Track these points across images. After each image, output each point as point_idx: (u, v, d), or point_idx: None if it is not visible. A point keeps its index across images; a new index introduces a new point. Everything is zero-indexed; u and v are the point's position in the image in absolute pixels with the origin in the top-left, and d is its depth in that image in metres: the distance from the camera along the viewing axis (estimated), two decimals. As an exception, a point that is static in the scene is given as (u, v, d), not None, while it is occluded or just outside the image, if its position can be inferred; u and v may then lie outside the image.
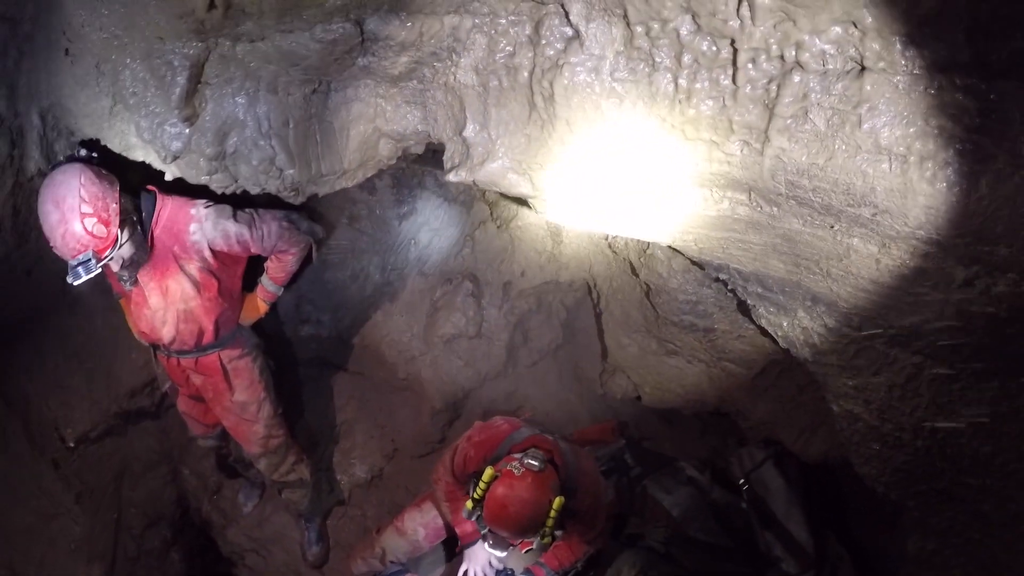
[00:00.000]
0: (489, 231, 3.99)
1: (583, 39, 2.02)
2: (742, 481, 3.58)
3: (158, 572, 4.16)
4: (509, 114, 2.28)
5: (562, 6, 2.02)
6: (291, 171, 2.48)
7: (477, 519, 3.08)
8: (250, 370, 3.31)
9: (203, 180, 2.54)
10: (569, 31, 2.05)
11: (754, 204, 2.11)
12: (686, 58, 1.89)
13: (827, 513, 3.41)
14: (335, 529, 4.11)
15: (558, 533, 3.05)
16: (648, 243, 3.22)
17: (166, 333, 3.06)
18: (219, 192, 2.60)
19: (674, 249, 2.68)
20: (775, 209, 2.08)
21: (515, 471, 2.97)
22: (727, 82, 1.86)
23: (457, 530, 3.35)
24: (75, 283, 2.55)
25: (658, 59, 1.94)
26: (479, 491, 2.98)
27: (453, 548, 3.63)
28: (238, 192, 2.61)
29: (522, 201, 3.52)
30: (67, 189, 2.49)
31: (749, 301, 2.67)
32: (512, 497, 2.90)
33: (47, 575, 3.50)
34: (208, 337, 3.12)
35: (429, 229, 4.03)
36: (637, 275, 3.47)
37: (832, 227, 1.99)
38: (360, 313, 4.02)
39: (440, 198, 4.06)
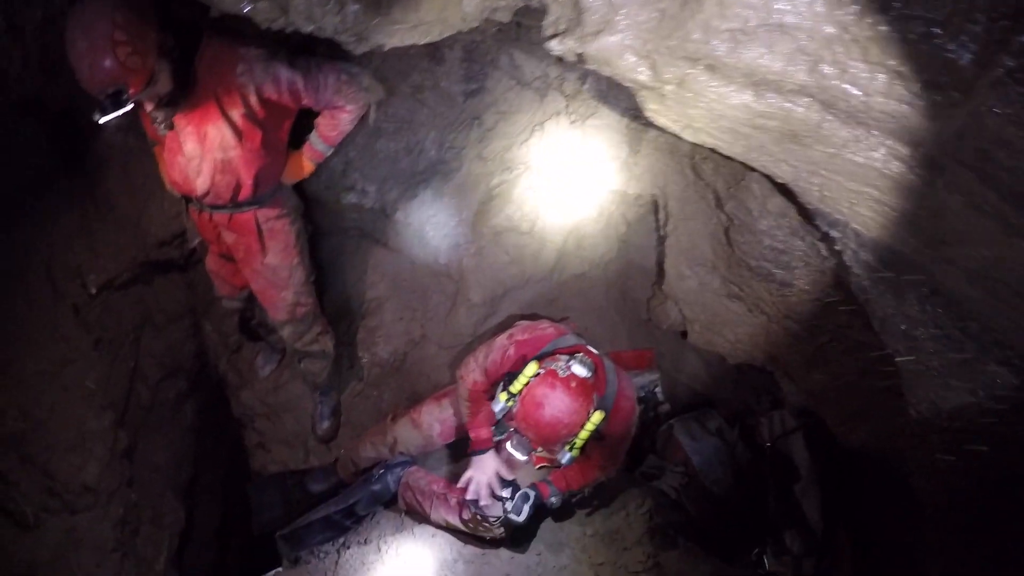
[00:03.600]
0: (561, 124, 3.64)
1: None
2: (768, 444, 3.39)
3: (169, 423, 4.12)
4: None
5: None
6: (356, 6, 2.09)
7: (503, 417, 2.93)
8: (286, 233, 3.09)
9: (244, 8, 2.19)
10: None
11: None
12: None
13: (844, 499, 3.20)
14: (348, 406, 4.01)
15: (579, 453, 2.90)
16: (745, 174, 2.88)
17: (200, 184, 2.82)
18: (264, 27, 2.27)
19: (779, 186, 2.35)
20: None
21: (560, 371, 2.79)
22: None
23: (471, 434, 3.19)
24: (103, 120, 2.27)
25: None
26: (518, 385, 2.82)
27: (462, 450, 3.51)
28: (287, 31, 2.29)
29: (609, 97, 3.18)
30: (99, 14, 2.18)
31: (857, 270, 2.33)
32: (552, 398, 2.73)
33: (58, 420, 3.42)
34: (245, 193, 2.88)
35: (496, 111, 3.70)
36: (721, 207, 3.13)
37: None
38: (409, 188, 3.74)
39: (513, 80, 3.71)
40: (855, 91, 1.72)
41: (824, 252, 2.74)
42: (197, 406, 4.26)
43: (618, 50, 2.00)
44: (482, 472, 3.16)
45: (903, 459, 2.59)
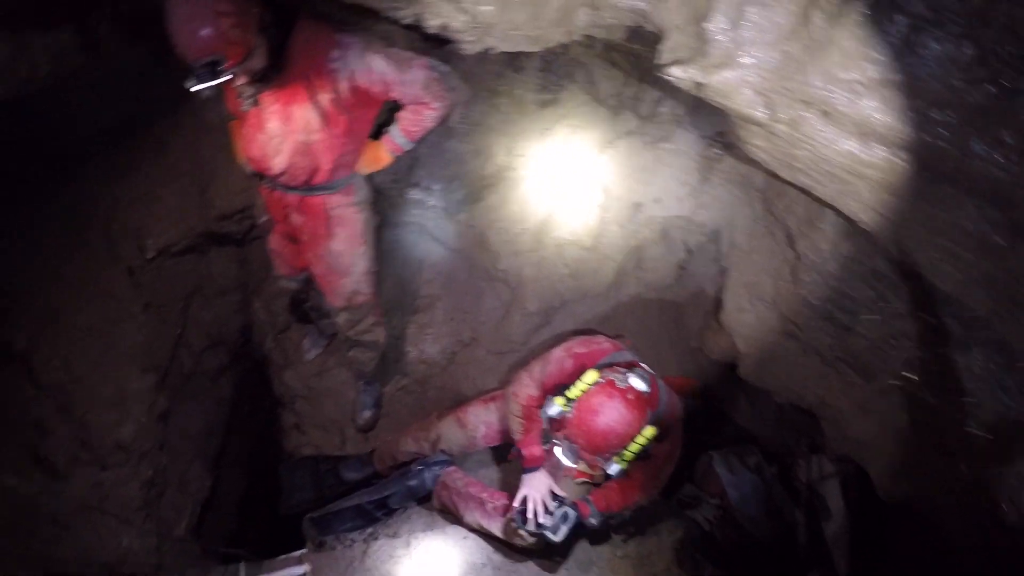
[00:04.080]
0: (634, 145, 3.64)
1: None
2: (804, 486, 3.39)
3: (207, 393, 4.14)
4: (770, 20, 1.90)
5: None
6: (488, 8, 2.11)
7: (550, 426, 2.93)
8: (354, 222, 3.09)
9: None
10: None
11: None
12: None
13: (875, 550, 3.18)
14: (390, 400, 4.01)
15: (626, 467, 2.89)
16: (821, 215, 2.88)
17: (277, 163, 2.82)
18: (387, 14, 2.29)
19: (858, 230, 2.37)
20: None
21: (618, 382, 2.80)
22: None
23: (523, 451, 3.17)
24: (196, 88, 2.26)
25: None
26: (575, 391, 2.82)
27: (502, 454, 3.51)
28: (408, 21, 2.30)
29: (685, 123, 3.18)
30: None
31: (928, 323, 2.35)
32: (609, 407, 2.74)
33: (101, 376, 3.45)
34: (321, 177, 2.88)
35: (568, 124, 3.70)
36: (791, 244, 3.12)
37: None
38: (474, 191, 3.75)
39: (587, 95, 3.71)
40: (955, 152, 1.79)
41: (892, 301, 2.73)
42: (235, 379, 4.27)
43: (737, 85, 2.03)
44: (536, 490, 3.11)
45: (945, 520, 2.58)
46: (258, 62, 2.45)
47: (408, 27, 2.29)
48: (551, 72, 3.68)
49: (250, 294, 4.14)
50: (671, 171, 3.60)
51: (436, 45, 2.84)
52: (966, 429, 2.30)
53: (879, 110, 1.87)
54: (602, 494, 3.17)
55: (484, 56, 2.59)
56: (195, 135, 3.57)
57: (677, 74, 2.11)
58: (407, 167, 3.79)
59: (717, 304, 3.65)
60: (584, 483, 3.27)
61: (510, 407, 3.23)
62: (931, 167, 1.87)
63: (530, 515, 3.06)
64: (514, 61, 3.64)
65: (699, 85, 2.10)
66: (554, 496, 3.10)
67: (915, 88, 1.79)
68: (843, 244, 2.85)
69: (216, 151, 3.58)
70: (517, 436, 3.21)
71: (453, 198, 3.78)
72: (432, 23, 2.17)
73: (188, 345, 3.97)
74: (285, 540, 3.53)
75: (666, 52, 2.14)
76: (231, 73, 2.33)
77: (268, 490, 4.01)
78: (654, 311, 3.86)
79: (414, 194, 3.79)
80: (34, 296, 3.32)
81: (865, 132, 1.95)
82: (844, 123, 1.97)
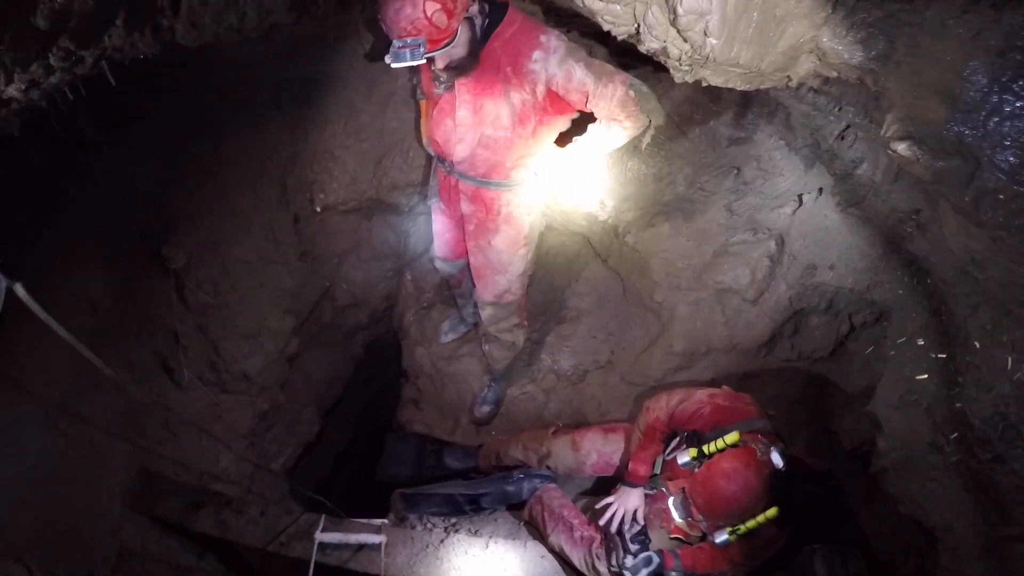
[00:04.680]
0: (820, 205, 3.42)
1: None
2: None
3: (338, 347, 4.30)
4: None
5: None
6: (714, 41, 1.98)
7: (662, 472, 2.88)
8: (521, 222, 3.07)
9: (595, 6, 2.15)
10: None
11: None
12: None
13: None
14: (512, 400, 3.99)
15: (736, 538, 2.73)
16: (1009, 326, 2.59)
17: (459, 151, 2.84)
18: (605, 29, 2.23)
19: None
20: None
21: (759, 453, 2.65)
22: None
23: (630, 464, 3.08)
24: (394, 65, 2.30)
25: None
26: (713, 447, 2.68)
27: (601, 488, 3.42)
28: (622, 37, 2.23)
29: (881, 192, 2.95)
30: None
31: None
32: (741, 474, 2.60)
33: (245, 308, 3.66)
34: (499, 173, 2.88)
35: (756, 167, 3.52)
36: (967, 352, 2.82)
37: None
38: (647, 214, 3.65)
39: (782, 140, 3.53)
40: None
41: None
42: (368, 341, 4.40)
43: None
44: (624, 503, 3.05)
45: None
46: (459, 50, 2.47)
47: (621, 44, 2.21)
48: (749, 109, 3.52)
49: (403, 265, 4.25)
50: (854, 239, 3.36)
51: (640, 62, 2.77)
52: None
53: None
54: (692, 553, 3.02)
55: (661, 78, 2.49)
56: (384, 105, 3.69)
57: (903, 151, 1.92)
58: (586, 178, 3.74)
59: (868, 392, 3.37)
60: (677, 539, 3.12)
61: (639, 418, 3.12)
62: None
63: (604, 519, 3.01)
64: (712, 90, 3.51)
65: (924, 168, 1.90)
66: (641, 531, 2.97)
67: None
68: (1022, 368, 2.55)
69: (401, 124, 3.69)
70: (632, 447, 3.12)
71: (624, 217, 3.69)
72: (650, 46, 2.09)
73: (333, 298, 4.14)
74: (370, 506, 3.60)
75: (894, 125, 1.95)
76: (429, 56, 2.36)
77: (369, 454, 4.09)
78: (800, 382, 3.62)
79: (587, 205, 3.73)
80: (201, 223, 3.54)
81: None
82: None
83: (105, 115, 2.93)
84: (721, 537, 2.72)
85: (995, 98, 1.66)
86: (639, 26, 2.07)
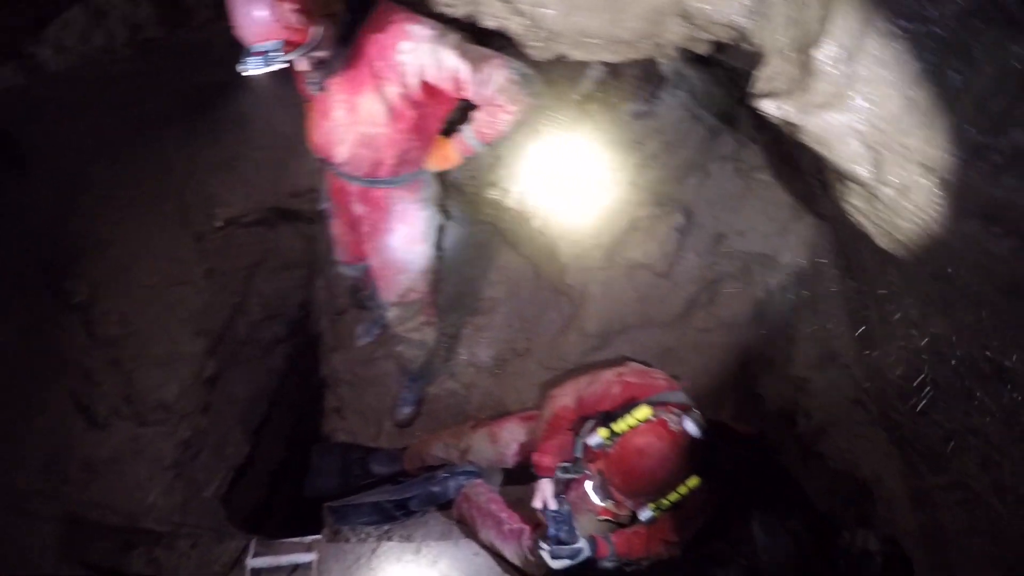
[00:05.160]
0: (726, 171, 3.40)
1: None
2: (842, 563, 3.05)
3: (258, 363, 4.18)
4: (896, 56, 1.56)
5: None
6: (551, 12, 1.92)
7: (583, 456, 2.80)
8: (417, 219, 2.97)
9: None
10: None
11: None
12: None
13: None
14: (433, 398, 3.93)
15: (659, 515, 2.71)
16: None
17: (340, 152, 2.72)
18: (438, 11, 2.15)
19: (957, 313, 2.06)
20: None
21: (671, 424, 2.62)
22: None
23: (533, 457, 3.02)
24: (247, 73, 2.16)
25: None
26: (624, 425, 2.63)
27: (527, 475, 3.33)
28: (459, 16, 2.16)
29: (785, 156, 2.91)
30: None
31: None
32: (657, 448, 2.58)
33: (154, 335, 3.54)
34: (385, 171, 2.76)
35: (661, 140, 3.49)
36: (880, 310, 2.82)
37: None
38: (552, 197, 3.59)
39: (686, 111, 3.50)
40: None
41: (978, 396, 2.38)
42: (288, 353, 4.29)
43: (843, 133, 1.73)
44: (539, 499, 2.97)
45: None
46: (321, 50, 2.33)
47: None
48: (649, 82, 3.48)
49: (314, 272, 4.16)
50: (761, 204, 3.35)
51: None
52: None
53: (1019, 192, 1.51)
54: (625, 537, 2.99)
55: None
56: (275, 111, 3.58)
57: (770, 109, 1.85)
58: (487, 165, 3.67)
59: (788, 355, 3.36)
60: (607, 521, 3.07)
61: (543, 411, 3.09)
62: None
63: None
64: (613, 67, 3.46)
65: (794, 126, 1.82)
66: (570, 528, 2.90)
67: None
68: (937, 323, 2.53)
69: (295, 128, 3.56)
70: (537, 442, 3.06)
71: (531, 201, 3.62)
72: (487, 23, 2.00)
73: (246, 314, 4.02)
74: (308, 521, 3.50)
75: (762, 80, 1.89)
76: (287, 60, 2.22)
77: (303, 467, 3.99)
78: (720, 350, 3.60)
79: (492, 193, 3.66)
80: (102, 251, 3.43)
81: (996, 216, 1.60)
82: (971, 199, 1.62)
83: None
84: (645, 514, 2.69)
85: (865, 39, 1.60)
86: (472, 6, 1.98)
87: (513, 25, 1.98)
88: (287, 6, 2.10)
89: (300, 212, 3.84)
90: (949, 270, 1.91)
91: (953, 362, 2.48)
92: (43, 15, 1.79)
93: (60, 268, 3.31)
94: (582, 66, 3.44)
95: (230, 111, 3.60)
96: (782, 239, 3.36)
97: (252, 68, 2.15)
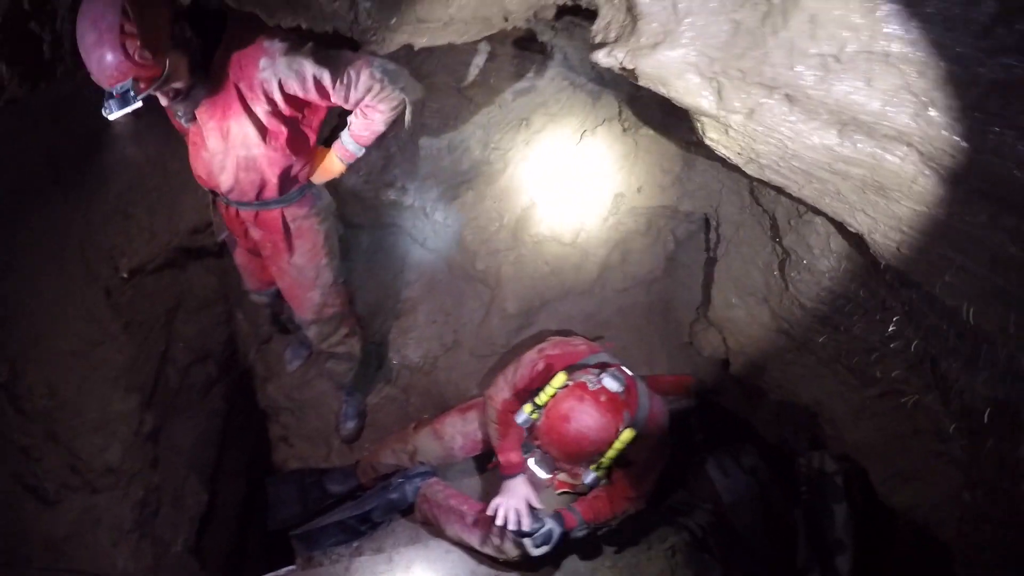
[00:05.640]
0: (613, 131, 3.45)
1: None
2: (804, 489, 3.16)
3: (197, 407, 4.11)
4: None
5: None
6: (368, 3, 1.91)
7: (528, 430, 2.79)
8: (314, 233, 2.96)
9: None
10: None
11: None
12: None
13: (878, 559, 2.96)
14: (374, 408, 3.93)
15: (604, 475, 2.77)
16: (809, 207, 2.66)
17: (224, 180, 2.70)
18: (273, 23, 2.14)
19: (849, 234, 2.12)
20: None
21: (590, 384, 2.64)
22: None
23: (500, 458, 3.04)
24: (110, 116, 2.14)
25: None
26: (545, 396, 2.67)
27: (484, 463, 3.42)
28: (304, 28, 2.15)
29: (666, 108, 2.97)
30: (108, 4, 2.03)
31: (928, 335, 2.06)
32: (580, 411, 2.59)
33: (85, 399, 3.43)
34: (271, 191, 2.75)
35: (546, 113, 3.52)
36: (779, 238, 2.90)
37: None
38: (450, 188, 3.61)
39: (565, 81, 3.53)
40: (965, 145, 1.45)
41: (890, 303, 2.47)
42: (225, 392, 4.23)
43: (678, 68, 1.73)
44: (512, 498, 2.98)
45: (947, 528, 2.38)
46: (178, 81, 2.30)
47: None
48: (525, 58, 3.51)
49: (232, 306, 4.09)
50: (653, 158, 3.42)
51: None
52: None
53: (862, 92, 1.53)
54: (588, 503, 3.03)
55: (448, 46, 2.42)
56: (161, 148, 3.50)
57: (604, 59, 1.88)
58: (380, 167, 3.66)
59: (707, 299, 3.44)
60: (566, 493, 3.12)
61: (487, 412, 3.11)
62: (932, 164, 1.57)
63: (508, 525, 2.93)
64: (490, 52, 3.47)
65: (631, 72, 1.82)
66: (531, 508, 2.95)
67: (912, 62, 1.43)
68: (834, 240, 2.63)
69: (182, 163, 3.50)
70: (495, 442, 3.08)
71: (429, 197, 3.64)
72: (321, 28, 2.01)
73: (173, 361, 3.94)
74: (283, 553, 3.50)
75: (597, 32, 1.93)
76: (143, 98, 2.19)
77: (263, 504, 3.97)
78: (642, 307, 3.68)
79: (389, 194, 3.66)
80: (15, 324, 3.31)
81: (844, 121, 1.64)
82: (817, 110, 1.65)
83: None
84: (590, 476, 2.73)
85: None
86: (299, 14, 1.99)
87: (342, 26, 1.98)
88: (131, 44, 2.07)
89: (205, 247, 3.77)
90: (817, 185, 1.96)
91: (858, 277, 2.58)
92: None
93: (-26, 350, 3.18)
94: (462, 55, 3.45)
95: (113, 158, 3.50)
96: (680, 188, 3.43)
97: (114, 111, 2.14)
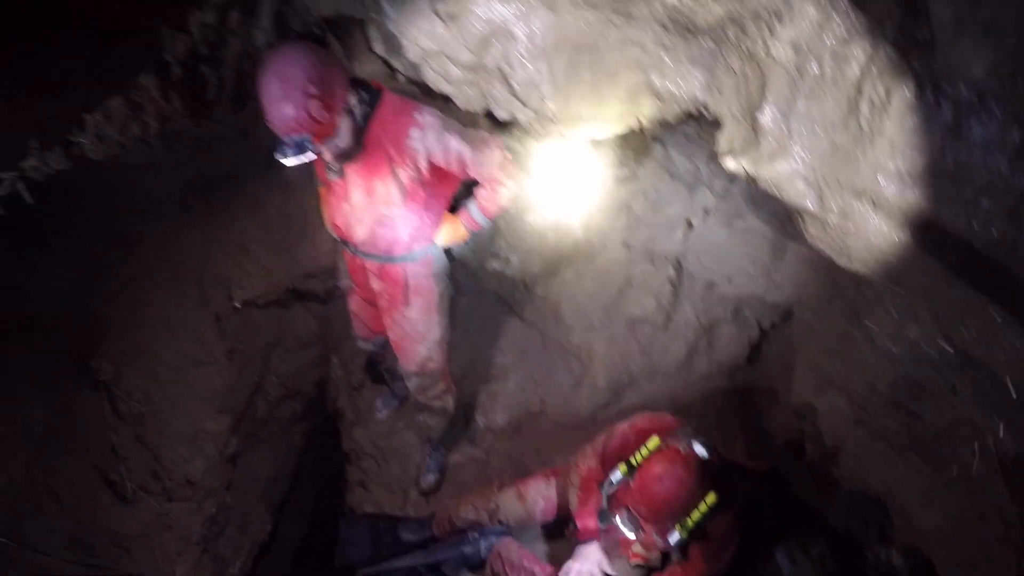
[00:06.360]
0: (709, 223, 3.64)
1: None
2: None
3: (278, 440, 4.25)
4: (820, 111, 1.89)
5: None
6: (552, 104, 2.21)
7: (609, 502, 2.90)
8: (431, 291, 3.17)
9: (446, 89, 2.32)
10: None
11: None
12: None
13: None
14: (455, 465, 4.03)
15: (686, 538, 2.81)
16: (883, 296, 2.81)
17: (359, 232, 2.95)
18: (462, 108, 2.40)
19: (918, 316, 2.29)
20: None
21: (681, 448, 2.79)
22: None
23: (578, 523, 3.13)
24: (284, 161, 2.40)
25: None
26: (638, 457, 2.82)
27: (554, 531, 3.47)
28: (477, 110, 2.40)
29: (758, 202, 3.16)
30: (296, 66, 2.31)
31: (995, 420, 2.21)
32: (670, 472, 2.73)
33: (178, 413, 3.60)
34: (400, 248, 2.98)
35: (646, 200, 3.74)
36: (858, 326, 3.04)
37: None
38: (551, 264, 3.81)
39: (664, 171, 3.75)
40: (1006, 243, 1.68)
41: (959, 387, 2.60)
42: (307, 430, 4.38)
43: (790, 176, 2.02)
44: (586, 563, 3.06)
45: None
46: (343, 140, 2.59)
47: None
48: (627, 147, 3.74)
49: (329, 350, 4.27)
50: (744, 249, 3.58)
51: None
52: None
53: (928, 199, 1.82)
54: None
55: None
56: (287, 195, 3.77)
57: (731, 165, 2.13)
58: (488, 238, 3.89)
59: (788, 386, 3.55)
60: (640, 566, 3.18)
61: (571, 478, 3.21)
62: (978, 257, 1.79)
63: None
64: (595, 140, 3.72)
65: (752, 177, 2.11)
66: (605, 574, 3.03)
67: (961, 176, 1.70)
68: (909, 327, 2.76)
69: (306, 212, 3.76)
70: (573, 508, 3.17)
71: (530, 270, 3.84)
72: (501, 115, 2.27)
73: (265, 393, 4.11)
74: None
75: (723, 142, 2.17)
76: (316, 150, 2.48)
77: (326, 542, 4.06)
78: (724, 392, 3.79)
79: (493, 265, 3.87)
80: (125, 331, 3.50)
81: (913, 222, 1.90)
82: (893, 213, 1.91)
83: (22, 232, 2.95)
84: (674, 537, 2.79)
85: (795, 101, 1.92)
86: (489, 101, 2.24)
87: (521, 116, 2.24)
88: (313, 104, 2.35)
89: (314, 292, 3.99)
90: (899, 277, 2.17)
91: (930, 362, 2.71)
92: (86, 104, 1.96)
93: (86, 347, 3.36)
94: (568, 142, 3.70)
95: (243, 197, 3.77)
96: (767, 279, 3.58)
97: (289, 158, 2.40)
